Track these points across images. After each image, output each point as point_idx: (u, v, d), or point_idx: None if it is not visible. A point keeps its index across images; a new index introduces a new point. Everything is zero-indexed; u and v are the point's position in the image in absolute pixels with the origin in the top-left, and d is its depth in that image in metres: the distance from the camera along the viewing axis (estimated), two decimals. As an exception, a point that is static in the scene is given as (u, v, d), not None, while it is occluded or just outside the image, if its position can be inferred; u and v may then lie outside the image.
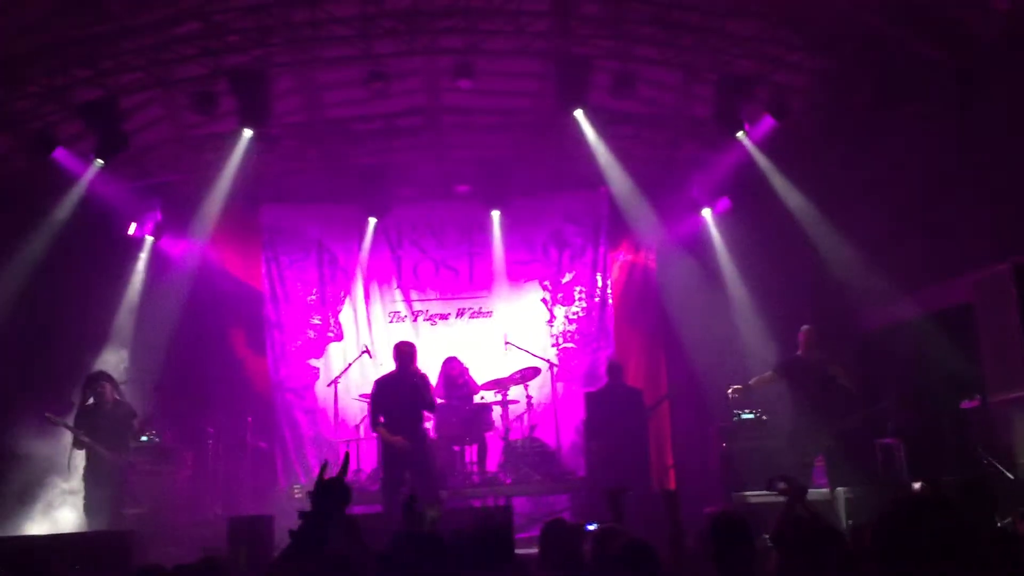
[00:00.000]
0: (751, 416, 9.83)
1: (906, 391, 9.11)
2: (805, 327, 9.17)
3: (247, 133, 9.87)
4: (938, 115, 8.89)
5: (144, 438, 9.32)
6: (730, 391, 9.64)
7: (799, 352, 9.15)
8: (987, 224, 8.37)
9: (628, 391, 10.43)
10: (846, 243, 9.64)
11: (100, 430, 8.28)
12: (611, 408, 10.09)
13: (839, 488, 8.01)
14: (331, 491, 3.46)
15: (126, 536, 6.94)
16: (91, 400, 8.40)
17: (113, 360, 10.22)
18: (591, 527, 5.17)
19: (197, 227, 11.05)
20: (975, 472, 7.32)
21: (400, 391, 8.63)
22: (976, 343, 8.14)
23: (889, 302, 9.25)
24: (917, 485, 6.73)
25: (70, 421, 8.36)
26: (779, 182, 10.20)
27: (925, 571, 2.05)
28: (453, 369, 10.69)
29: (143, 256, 11.09)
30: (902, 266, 9.03)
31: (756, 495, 8.15)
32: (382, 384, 8.81)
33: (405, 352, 8.77)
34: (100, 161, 9.49)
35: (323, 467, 3.42)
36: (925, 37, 8.70)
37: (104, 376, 8.57)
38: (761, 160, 10.24)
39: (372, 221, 12.13)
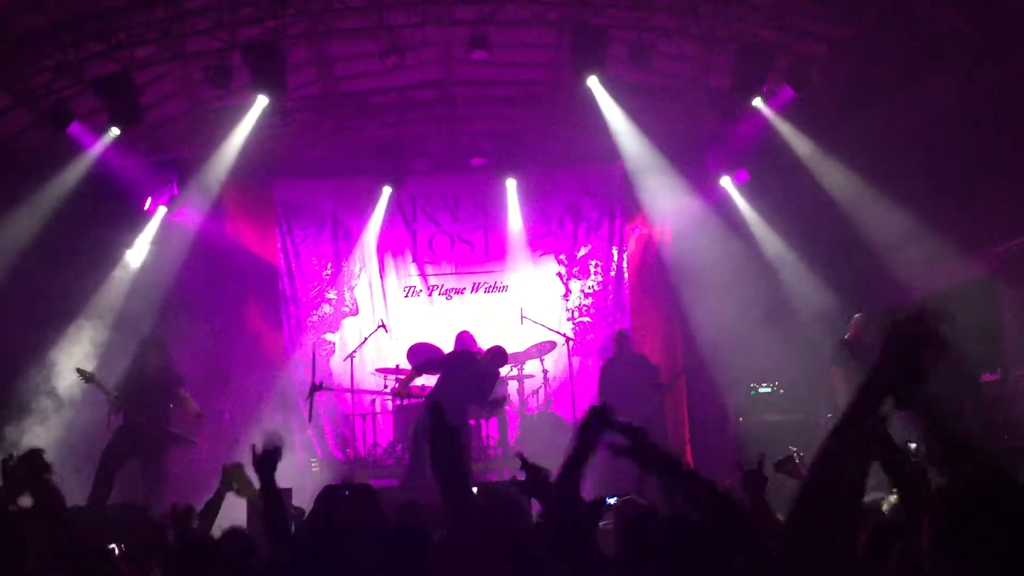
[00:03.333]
0: (768, 390, 9.78)
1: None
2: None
3: (261, 101, 9.73)
4: (961, 86, 8.74)
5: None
6: None
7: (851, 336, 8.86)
8: (1012, 197, 8.26)
9: (635, 357, 10.40)
10: (868, 217, 9.53)
11: (141, 396, 8.15)
12: (623, 376, 10.05)
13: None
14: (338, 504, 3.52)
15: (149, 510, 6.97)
16: (137, 365, 8.33)
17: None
18: (611, 501, 5.17)
19: (208, 195, 10.94)
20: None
21: (464, 370, 8.90)
22: (999, 316, 8.06)
23: (913, 275, 9.15)
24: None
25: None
26: (803, 151, 10.06)
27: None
28: (467, 343, 10.67)
29: (154, 228, 10.87)
30: (924, 239, 8.92)
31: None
32: (455, 355, 9.26)
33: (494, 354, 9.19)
34: (116, 130, 9.39)
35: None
36: (949, 5, 8.54)
37: (153, 341, 8.48)
38: (784, 130, 10.11)
39: (387, 191, 12.05)
